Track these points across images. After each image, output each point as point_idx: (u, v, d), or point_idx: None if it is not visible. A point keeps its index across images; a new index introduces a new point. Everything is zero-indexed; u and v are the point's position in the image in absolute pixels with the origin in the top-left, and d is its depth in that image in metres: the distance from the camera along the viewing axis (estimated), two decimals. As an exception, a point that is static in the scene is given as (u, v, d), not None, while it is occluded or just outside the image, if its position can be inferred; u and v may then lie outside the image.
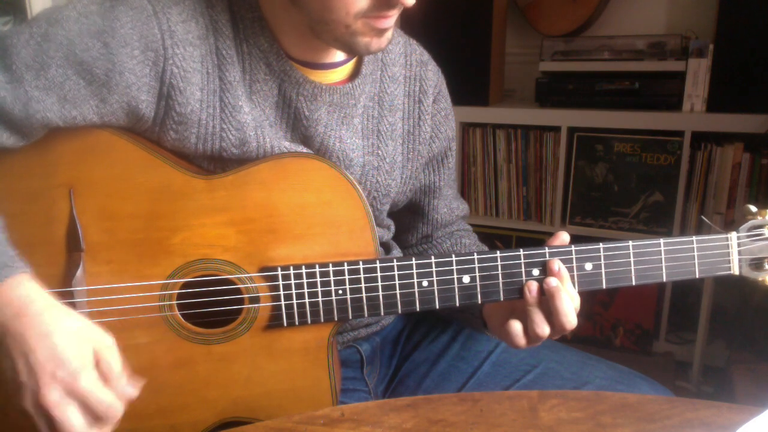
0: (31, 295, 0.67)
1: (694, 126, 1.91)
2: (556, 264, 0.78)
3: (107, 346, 0.69)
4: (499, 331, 0.85)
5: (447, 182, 1.03)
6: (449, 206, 1.04)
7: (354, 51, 0.79)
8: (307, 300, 0.79)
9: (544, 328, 0.77)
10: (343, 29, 0.73)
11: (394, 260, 0.79)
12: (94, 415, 0.67)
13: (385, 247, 1.01)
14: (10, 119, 0.72)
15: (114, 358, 0.69)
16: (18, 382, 0.66)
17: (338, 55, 0.86)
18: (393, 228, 1.03)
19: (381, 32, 0.75)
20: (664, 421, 0.67)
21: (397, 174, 0.94)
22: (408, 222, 1.04)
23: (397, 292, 0.80)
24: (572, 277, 0.79)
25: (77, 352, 0.66)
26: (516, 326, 0.79)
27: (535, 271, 0.79)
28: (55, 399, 0.65)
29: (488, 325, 0.90)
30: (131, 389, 0.71)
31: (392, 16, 0.74)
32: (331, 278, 0.79)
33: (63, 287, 0.78)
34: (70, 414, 0.65)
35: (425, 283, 0.80)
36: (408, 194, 1.00)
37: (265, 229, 0.79)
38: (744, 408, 0.69)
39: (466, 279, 0.80)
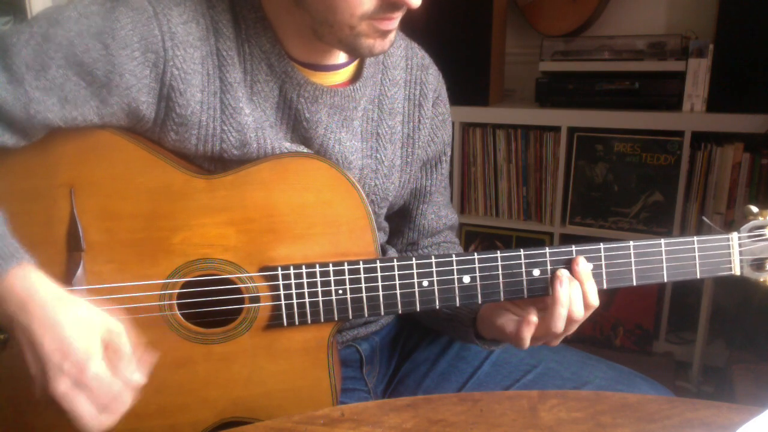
0: (36, 286, 0.68)
1: (694, 126, 1.91)
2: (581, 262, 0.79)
3: (116, 333, 0.70)
4: (499, 323, 0.84)
5: (438, 188, 1.02)
6: (437, 213, 1.02)
7: (357, 53, 0.79)
8: (307, 300, 0.79)
9: (560, 325, 0.78)
10: (348, 31, 0.73)
11: (395, 260, 0.79)
12: (102, 403, 0.69)
13: (382, 250, 1.00)
14: (11, 120, 0.72)
15: (123, 345, 0.70)
16: (29, 374, 0.68)
17: (340, 57, 0.86)
18: (389, 230, 1.03)
19: (385, 34, 0.75)
20: (664, 421, 0.67)
21: (396, 177, 0.94)
22: (394, 226, 1.03)
23: (398, 292, 0.80)
24: None
25: (84, 341, 0.67)
26: (533, 318, 0.79)
27: (536, 272, 0.79)
28: (63, 390, 0.66)
29: (484, 324, 0.88)
30: (138, 375, 0.72)
31: (396, 18, 0.74)
32: (332, 278, 0.79)
33: (64, 287, 0.77)
34: (78, 403, 0.67)
35: (425, 283, 0.80)
36: (405, 197, 0.99)
37: (266, 229, 0.79)
38: (744, 408, 0.69)
39: (466, 279, 0.80)
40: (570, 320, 0.78)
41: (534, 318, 0.79)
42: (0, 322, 0.69)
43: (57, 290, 0.69)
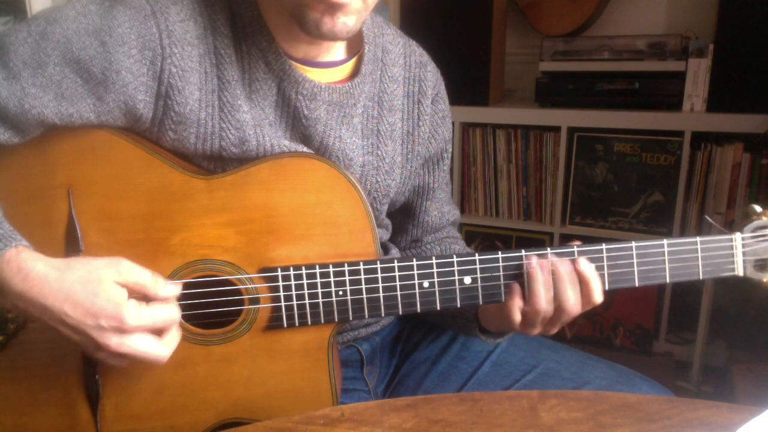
0: (29, 264, 0.69)
1: (694, 126, 1.90)
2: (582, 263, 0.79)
3: (125, 269, 0.71)
4: (497, 313, 0.85)
5: (440, 185, 1.02)
6: (440, 209, 1.03)
7: (309, 30, 0.75)
8: (307, 301, 0.79)
9: (541, 302, 0.78)
10: (293, 2, 0.73)
11: (395, 261, 0.79)
12: (156, 331, 0.72)
13: (384, 247, 1.01)
14: (6, 115, 0.72)
15: (137, 275, 0.72)
16: (75, 343, 0.70)
17: (337, 54, 0.86)
18: (391, 228, 1.03)
19: (332, 9, 0.72)
20: (664, 421, 0.67)
21: (397, 174, 0.94)
22: (398, 223, 1.03)
23: (398, 293, 0.79)
24: None
25: (104, 293, 0.69)
26: (516, 288, 0.79)
27: (536, 272, 0.79)
28: (115, 343, 0.69)
29: (485, 315, 0.89)
30: (172, 287, 0.74)
31: None
32: (332, 279, 0.79)
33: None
34: (136, 347, 0.70)
35: (426, 284, 0.79)
36: (406, 194, 0.99)
37: (265, 230, 0.79)
38: (744, 408, 0.69)
39: (467, 280, 0.79)
40: (560, 309, 0.78)
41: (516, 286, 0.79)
42: (12, 306, 0.70)
43: (52, 262, 0.70)
